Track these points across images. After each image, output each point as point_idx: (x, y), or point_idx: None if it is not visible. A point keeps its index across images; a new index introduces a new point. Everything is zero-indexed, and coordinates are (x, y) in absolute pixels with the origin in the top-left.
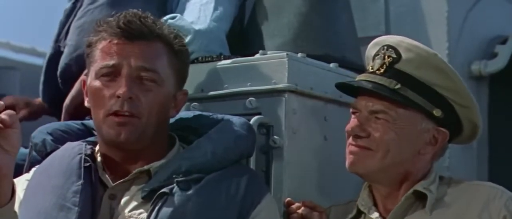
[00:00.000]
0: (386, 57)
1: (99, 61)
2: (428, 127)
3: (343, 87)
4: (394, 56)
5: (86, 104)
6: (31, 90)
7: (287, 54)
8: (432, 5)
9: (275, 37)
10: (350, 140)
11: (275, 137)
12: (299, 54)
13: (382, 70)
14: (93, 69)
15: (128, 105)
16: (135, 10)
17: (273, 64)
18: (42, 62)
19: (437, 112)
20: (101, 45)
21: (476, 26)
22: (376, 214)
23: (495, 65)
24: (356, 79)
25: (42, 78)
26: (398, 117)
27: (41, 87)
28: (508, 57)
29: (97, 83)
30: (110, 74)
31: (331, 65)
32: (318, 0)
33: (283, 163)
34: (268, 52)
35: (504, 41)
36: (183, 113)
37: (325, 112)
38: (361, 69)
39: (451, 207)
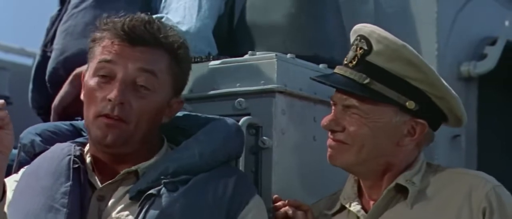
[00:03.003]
0: (358, 48)
1: (98, 56)
2: (404, 120)
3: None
4: (366, 48)
5: (82, 97)
6: (20, 90)
7: (276, 54)
8: (421, 6)
9: (264, 38)
10: (329, 133)
11: (264, 138)
12: (288, 55)
13: (354, 63)
14: (92, 65)
15: (118, 110)
16: (142, 15)
17: (262, 64)
18: (31, 62)
19: (410, 105)
20: (103, 43)
21: (466, 27)
22: (358, 207)
23: (485, 66)
24: (333, 71)
25: (31, 86)
26: (370, 112)
27: (30, 94)
28: (498, 58)
29: (92, 82)
30: (106, 75)
31: (320, 66)
32: (308, 1)
33: (272, 163)
34: (257, 52)
35: (493, 42)
36: None
37: (314, 113)
38: None
39: (433, 199)
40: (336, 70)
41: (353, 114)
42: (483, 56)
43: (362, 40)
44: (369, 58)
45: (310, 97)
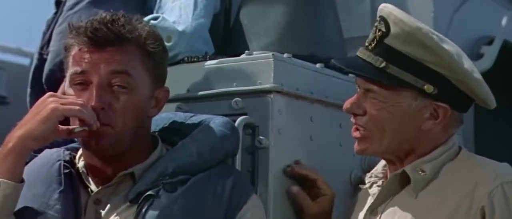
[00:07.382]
0: (377, 30)
1: (70, 67)
2: (425, 103)
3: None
4: (384, 30)
5: None
6: (17, 90)
7: (273, 54)
8: (418, 6)
9: (261, 37)
10: (351, 118)
11: (260, 137)
12: (285, 55)
13: (373, 45)
14: (68, 75)
15: (101, 116)
16: (103, 15)
17: (259, 64)
18: (28, 62)
19: (428, 88)
20: (73, 51)
21: (462, 27)
22: (375, 190)
23: (481, 66)
24: (356, 55)
25: (29, 90)
26: (388, 96)
27: (28, 98)
28: (494, 58)
29: (71, 92)
30: (82, 83)
31: (317, 65)
32: (304, 0)
33: (269, 163)
34: (254, 52)
35: (490, 42)
36: (164, 115)
37: (311, 113)
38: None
39: (440, 191)
40: (358, 53)
41: (372, 98)
42: (480, 56)
43: (381, 22)
44: (387, 40)
45: (307, 97)
